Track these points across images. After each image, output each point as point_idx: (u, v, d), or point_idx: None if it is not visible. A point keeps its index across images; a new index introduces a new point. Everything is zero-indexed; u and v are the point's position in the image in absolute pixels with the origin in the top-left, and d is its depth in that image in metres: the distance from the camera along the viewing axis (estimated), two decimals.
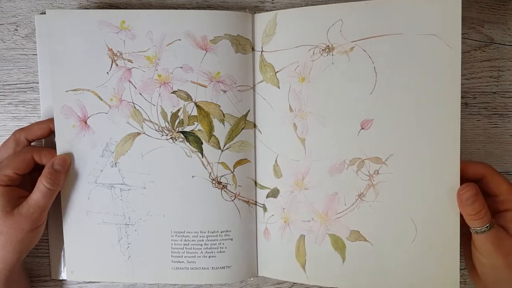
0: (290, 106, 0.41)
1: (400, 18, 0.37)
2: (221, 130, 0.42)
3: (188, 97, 0.41)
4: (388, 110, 0.38)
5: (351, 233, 0.40)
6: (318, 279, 0.42)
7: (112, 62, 0.41)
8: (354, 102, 0.39)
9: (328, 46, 0.39)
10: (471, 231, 0.36)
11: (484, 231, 0.35)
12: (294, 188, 0.41)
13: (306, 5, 0.44)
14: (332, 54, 0.39)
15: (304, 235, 0.42)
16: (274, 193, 0.42)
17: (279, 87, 0.41)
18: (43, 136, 0.42)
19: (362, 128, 0.39)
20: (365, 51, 0.38)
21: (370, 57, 0.38)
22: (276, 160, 0.42)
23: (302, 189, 0.41)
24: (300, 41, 0.40)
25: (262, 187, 0.43)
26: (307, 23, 0.39)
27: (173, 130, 0.42)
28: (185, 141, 0.42)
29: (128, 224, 0.42)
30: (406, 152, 0.38)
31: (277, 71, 0.41)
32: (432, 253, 0.38)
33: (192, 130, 0.42)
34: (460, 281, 0.45)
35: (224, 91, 0.41)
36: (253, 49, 0.42)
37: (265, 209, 0.43)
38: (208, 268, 0.43)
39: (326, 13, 0.39)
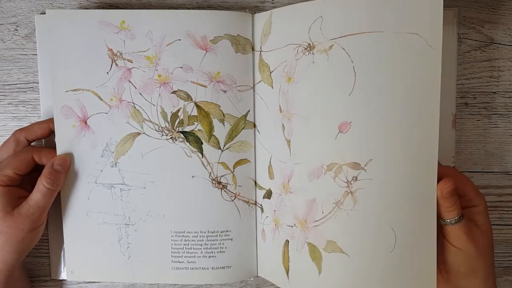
0: (280, 106, 0.40)
1: (381, 15, 0.34)
2: (221, 130, 0.42)
3: (188, 97, 0.41)
4: (367, 112, 0.36)
5: (328, 243, 0.38)
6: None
7: (112, 62, 0.41)
8: (332, 103, 0.37)
9: (310, 44, 0.37)
10: (445, 223, 0.37)
11: (457, 221, 0.37)
12: (282, 190, 0.40)
13: None
14: (313, 53, 0.37)
15: (289, 241, 0.40)
16: (268, 194, 0.42)
17: (272, 87, 0.40)
18: (43, 136, 0.42)
19: (340, 131, 0.36)
20: (344, 49, 0.36)
21: (349, 56, 0.36)
22: (270, 161, 0.41)
23: (287, 193, 0.40)
24: (288, 39, 0.38)
25: (261, 188, 0.43)
26: (294, 21, 0.38)
27: (173, 130, 0.42)
28: (185, 141, 0.42)
29: (128, 224, 0.42)
30: (385, 157, 0.36)
31: (272, 71, 0.40)
32: (410, 261, 0.36)
33: (192, 130, 0.42)
34: None
35: (224, 91, 0.41)
36: (253, 49, 0.42)
37: (262, 209, 0.43)
38: (208, 268, 0.43)
39: (308, 10, 0.37)
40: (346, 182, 0.37)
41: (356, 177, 0.36)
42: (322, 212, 0.38)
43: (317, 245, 0.38)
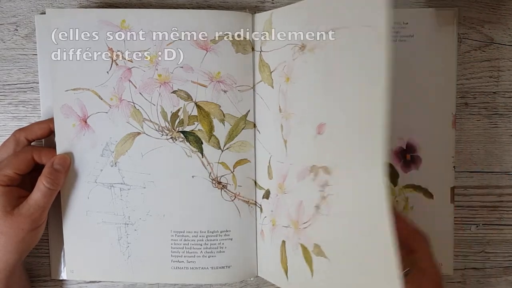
0: (279, 106, 0.40)
1: (346, 10, 0.32)
2: (221, 130, 0.42)
3: (188, 97, 0.41)
4: (335, 114, 0.33)
5: (315, 246, 0.36)
6: None
7: (112, 61, 0.41)
8: (314, 103, 0.35)
9: (303, 44, 0.37)
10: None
11: (406, 274, 0.33)
12: (278, 191, 0.40)
13: None
14: (304, 53, 0.37)
15: (285, 241, 0.40)
16: (267, 195, 0.42)
17: (273, 87, 0.40)
18: (43, 136, 0.42)
19: (318, 133, 0.35)
20: (322, 48, 0.34)
21: (325, 55, 0.34)
22: (269, 161, 0.41)
23: (283, 193, 0.39)
24: (287, 40, 0.38)
25: (260, 188, 0.43)
26: (291, 21, 0.38)
27: (173, 130, 0.42)
28: (185, 141, 0.42)
29: (127, 224, 0.42)
30: (346, 164, 0.33)
31: (272, 71, 0.40)
32: (378, 268, 0.32)
33: (192, 130, 0.42)
34: (460, 281, 0.45)
35: (224, 91, 0.41)
36: (253, 49, 0.42)
37: (261, 210, 0.43)
38: (208, 268, 0.43)
39: (301, 10, 0.36)
40: (321, 186, 0.35)
41: (327, 182, 0.34)
42: (307, 215, 0.37)
43: (307, 247, 0.37)
